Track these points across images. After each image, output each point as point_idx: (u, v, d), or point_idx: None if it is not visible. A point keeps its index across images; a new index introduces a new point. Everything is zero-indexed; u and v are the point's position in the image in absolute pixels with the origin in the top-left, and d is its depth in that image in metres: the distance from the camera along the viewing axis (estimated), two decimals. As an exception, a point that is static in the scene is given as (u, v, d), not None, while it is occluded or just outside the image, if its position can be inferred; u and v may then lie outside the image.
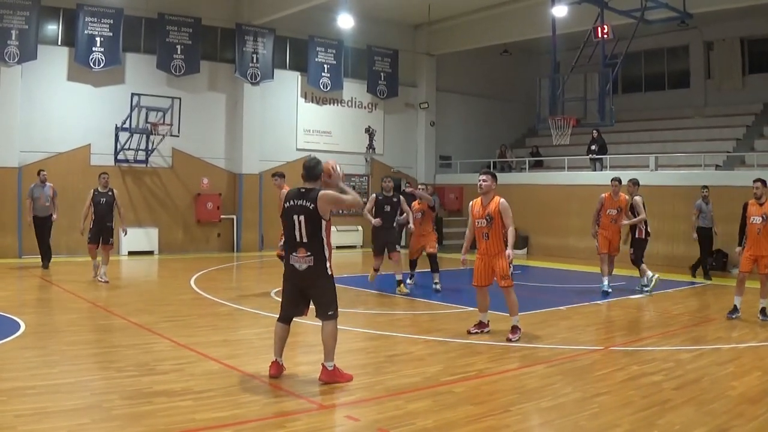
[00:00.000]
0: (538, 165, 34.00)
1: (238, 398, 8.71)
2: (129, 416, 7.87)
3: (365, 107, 34.28)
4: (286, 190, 11.42)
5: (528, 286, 18.80)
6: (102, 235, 19.29)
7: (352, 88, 33.72)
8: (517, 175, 32.72)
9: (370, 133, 34.24)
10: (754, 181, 15.01)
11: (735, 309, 15.08)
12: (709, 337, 13.27)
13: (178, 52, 27.97)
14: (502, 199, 12.21)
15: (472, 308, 15.57)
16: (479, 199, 12.53)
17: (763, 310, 14.91)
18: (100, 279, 19.18)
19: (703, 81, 34.68)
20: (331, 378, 9.49)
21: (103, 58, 26.19)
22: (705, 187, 22.08)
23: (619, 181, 18.39)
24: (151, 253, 25.63)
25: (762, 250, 14.68)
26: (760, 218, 14.66)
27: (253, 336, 12.74)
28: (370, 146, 34.28)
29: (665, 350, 11.94)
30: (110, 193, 19.69)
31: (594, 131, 29.06)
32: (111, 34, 26.30)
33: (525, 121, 38.29)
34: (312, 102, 32.38)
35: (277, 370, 9.66)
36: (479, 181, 12.43)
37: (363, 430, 7.77)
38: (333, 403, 8.67)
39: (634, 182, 19.01)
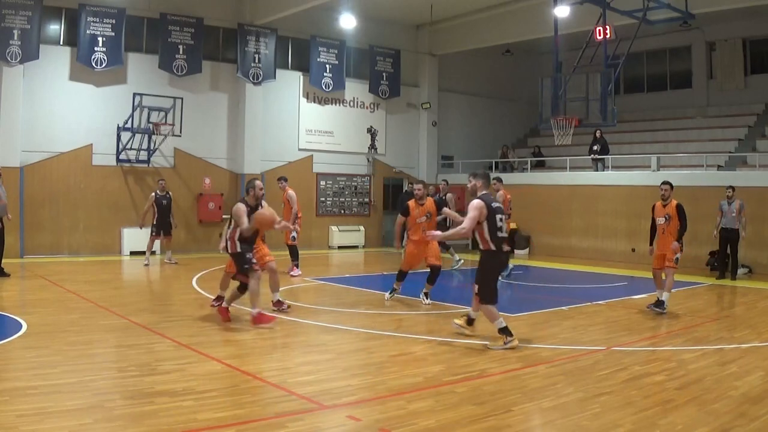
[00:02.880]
0: (540, 165, 34.00)
1: (240, 398, 8.73)
2: (131, 416, 7.88)
3: (367, 107, 34.28)
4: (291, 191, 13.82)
5: (530, 287, 18.79)
6: (163, 228, 24.20)
7: (354, 88, 33.73)
8: (519, 175, 32.72)
9: (372, 133, 34.24)
10: (662, 184, 16.46)
11: (658, 302, 15.89)
12: (712, 337, 13.27)
13: (180, 52, 27.97)
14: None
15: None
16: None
17: (659, 302, 15.83)
18: (168, 261, 24.42)
19: (706, 81, 34.70)
20: (258, 321, 13.17)
21: (105, 57, 26.18)
22: (730, 187, 22.07)
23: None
24: (153, 253, 25.64)
25: (665, 248, 16.08)
26: (664, 219, 16.20)
27: (254, 336, 12.72)
28: (372, 146, 34.28)
29: (667, 350, 11.97)
30: (168, 195, 24.51)
31: (596, 131, 29.07)
32: (113, 33, 26.30)
33: (527, 121, 38.37)
34: (314, 102, 32.38)
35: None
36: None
37: (365, 430, 7.76)
38: (335, 403, 8.65)
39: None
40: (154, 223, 24.10)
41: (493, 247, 11.69)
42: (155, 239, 24.54)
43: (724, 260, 22.67)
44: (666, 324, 14.58)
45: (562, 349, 11.45)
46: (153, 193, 24.38)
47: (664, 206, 16.30)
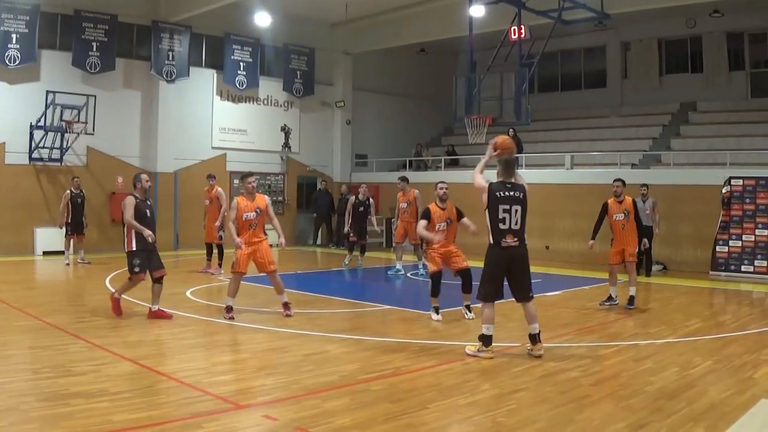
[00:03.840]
0: (454, 164, 34.18)
1: (155, 399, 8.73)
2: (46, 418, 7.83)
3: (281, 105, 34.26)
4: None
5: (446, 284, 18.92)
6: (76, 227, 24.00)
7: (269, 86, 33.68)
8: (432, 173, 32.84)
9: (286, 131, 34.21)
10: (614, 181, 16.86)
11: (610, 298, 16.69)
12: (627, 333, 13.54)
13: (94, 49, 27.68)
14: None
15: (389, 306, 15.78)
16: None
17: (631, 299, 16.42)
18: (81, 261, 23.83)
19: (620, 81, 35.33)
20: (155, 315, 14.25)
21: (19, 55, 25.84)
22: (644, 185, 22.40)
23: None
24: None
25: (626, 243, 16.59)
26: (622, 215, 16.53)
27: (168, 336, 12.73)
28: (286, 145, 34.25)
29: (582, 346, 12.17)
30: (82, 193, 24.41)
31: (510, 130, 29.20)
32: (27, 30, 25.94)
33: (441, 120, 38.59)
34: (228, 100, 32.31)
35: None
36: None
37: (281, 430, 7.79)
38: (250, 402, 8.70)
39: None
40: (68, 221, 23.94)
41: (491, 240, 11.32)
42: (70, 238, 24.28)
43: (638, 257, 23.03)
44: (581, 321, 14.81)
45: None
46: (68, 191, 24.24)
47: (620, 203, 16.65)
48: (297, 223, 34.25)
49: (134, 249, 14.53)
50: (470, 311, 14.92)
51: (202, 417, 8.00)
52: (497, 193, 11.14)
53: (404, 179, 22.35)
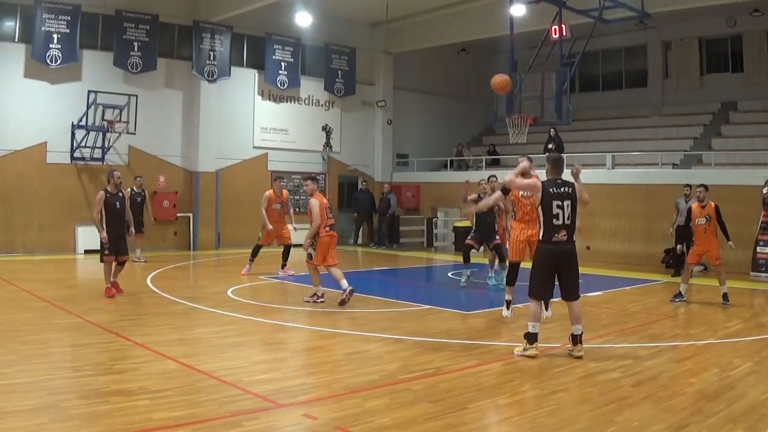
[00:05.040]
0: (495, 163, 34.03)
1: (195, 397, 8.72)
2: (87, 416, 7.85)
3: (322, 105, 34.26)
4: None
5: (485, 284, 18.83)
6: (135, 225, 22.27)
7: (310, 86, 33.66)
8: (473, 173, 32.73)
9: (327, 131, 34.19)
10: (698, 186, 17.52)
11: (680, 294, 17.46)
12: (667, 334, 13.41)
13: (135, 49, 27.80)
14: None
15: (429, 306, 15.75)
16: None
17: (724, 296, 17.07)
18: (137, 259, 24.21)
19: (661, 80, 35.04)
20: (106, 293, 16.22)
21: (60, 55, 25.98)
22: (687, 185, 22.26)
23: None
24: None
25: (708, 246, 17.26)
26: (704, 219, 17.23)
27: (209, 334, 12.74)
28: (327, 144, 34.24)
29: (623, 347, 12.08)
30: (143, 192, 25.27)
31: (551, 130, 29.13)
32: (68, 30, 26.07)
33: (482, 119, 38.44)
34: (269, 100, 32.32)
35: None
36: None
37: (321, 429, 7.75)
38: (290, 401, 8.65)
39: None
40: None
41: (541, 237, 11.31)
42: (128, 237, 24.25)
43: (679, 258, 22.85)
44: (621, 321, 14.69)
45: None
46: (129, 189, 24.02)
47: (703, 207, 17.36)
48: (338, 223, 34.20)
49: (105, 236, 16.54)
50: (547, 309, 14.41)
51: (242, 415, 7.98)
52: (550, 190, 11.20)
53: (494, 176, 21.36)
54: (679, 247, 19.31)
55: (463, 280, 18.76)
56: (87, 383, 9.19)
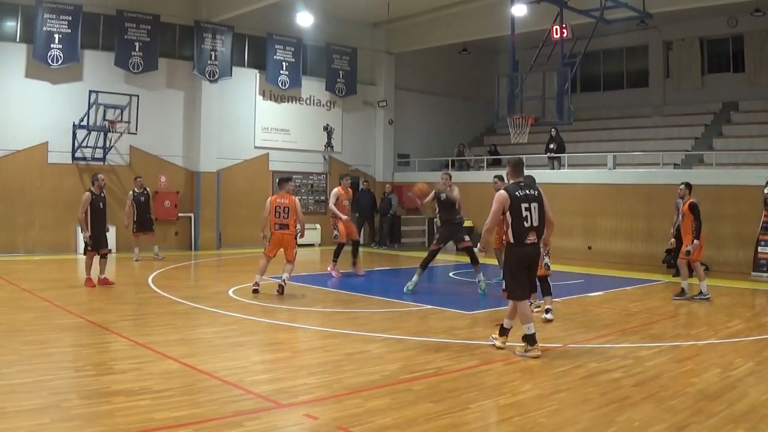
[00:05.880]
0: (496, 163, 33.93)
1: (197, 397, 8.72)
2: (88, 416, 7.86)
3: (324, 105, 34.27)
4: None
5: (486, 284, 18.84)
6: (144, 225, 25.21)
7: (311, 86, 33.67)
8: (475, 173, 32.80)
9: (328, 131, 34.21)
10: (680, 184, 18.31)
11: (683, 291, 17.84)
12: (668, 334, 13.39)
13: (137, 49, 27.82)
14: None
15: (430, 306, 15.74)
16: None
17: (682, 290, 17.76)
18: (156, 256, 25.22)
19: (662, 80, 35.02)
20: (102, 282, 17.85)
21: (62, 55, 25.99)
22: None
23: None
24: (108, 251, 25.46)
25: (682, 241, 17.94)
26: (681, 216, 18.13)
27: (210, 334, 12.75)
28: (329, 144, 34.25)
29: (624, 347, 12.06)
30: (146, 191, 25.62)
31: (552, 130, 29.15)
32: (69, 30, 26.07)
33: (483, 119, 38.50)
34: (270, 100, 32.33)
35: None
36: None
37: (322, 429, 7.76)
38: (292, 401, 8.65)
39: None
40: (135, 220, 24.93)
41: (512, 240, 11.33)
42: (137, 236, 25.07)
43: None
44: (622, 321, 14.68)
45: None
46: (130, 192, 25.24)
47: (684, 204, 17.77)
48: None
49: (89, 233, 17.86)
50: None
51: (243, 415, 7.99)
52: (516, 193, 11.29)
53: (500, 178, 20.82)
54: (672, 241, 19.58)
55: (481, 287, 18.21)
56: (88, 383, 9.21)
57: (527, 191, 11.38)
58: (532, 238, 11.26)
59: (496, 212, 11.29)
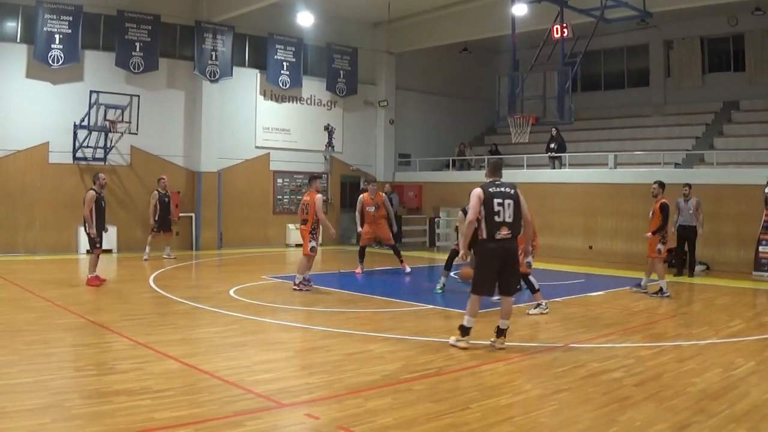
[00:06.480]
0: (496, 163, 33.96)
1: (198, 397, 8.72)
2: (89, 415, 7.86)
3: (324, 105, 34.28)
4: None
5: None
6: (164, 225, 25.75)
7: (312, 86, 33.68)
8: (476, 173, 32.76)
9: (329, 130, 34.22)
10: (653, 183, 18.86)
11: (661, 290, 18.07)
12: (669, 334, 13.42)
13: (137, 49, 27.83)
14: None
15: (431, 306, 15.74)
16: None
17: (660, 290, 17.98)
18: (167, 256, 25.53)
19: (663, 79, 35.04)
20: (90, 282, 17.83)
21: (62, 55, 26.01)
22: (686, 185, 22.32)
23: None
24: (109, 251, 25.47)
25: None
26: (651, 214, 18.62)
27: (211, 334, 12.76)
28: (329, 144, 34.26)
29: (625, 347, 12.06)
30: (168, 193, 26.19)
31: (553, 129, 29.15)
32: (70, 31, 26.09)
33: (484, 119, 38.48)
34: (271, 100, 32.33)
35: None
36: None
37: (323, 429, 7.76)
38: (293, 401, 8.65)
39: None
40: (156, 219, 25.35)
41: (484, 235, 11.53)
42: (156, 236, 25.49)
43: (681, 257, 22.89)
44: (624, 321, 14.68)
45: (519, 346, 11.50)
46: (155, 192, 25.69)
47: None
48: (340, 222, 34.20)
49: (95, 231, 18.20)
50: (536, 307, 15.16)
51: (244, 415, 7.99)
52: (489, 189, 11.58)
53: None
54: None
55: (438, 287, 18.56)
56: (89, 383, 9.21)
57: (502, 189, 11.62)
58: (504, 233, 11.42)
59: (474, 206, 11.47)
